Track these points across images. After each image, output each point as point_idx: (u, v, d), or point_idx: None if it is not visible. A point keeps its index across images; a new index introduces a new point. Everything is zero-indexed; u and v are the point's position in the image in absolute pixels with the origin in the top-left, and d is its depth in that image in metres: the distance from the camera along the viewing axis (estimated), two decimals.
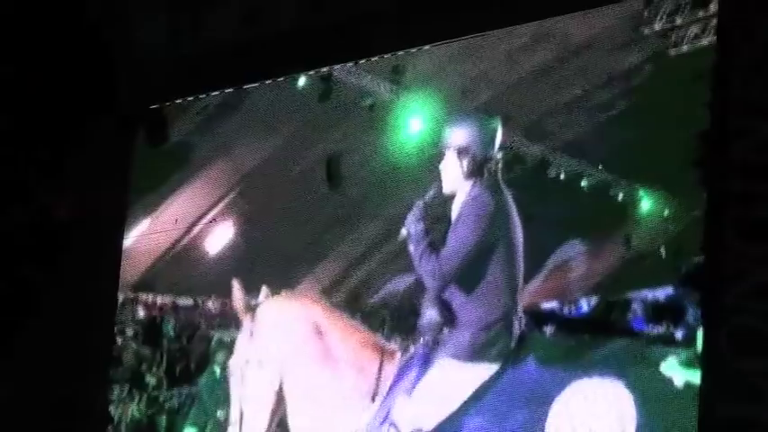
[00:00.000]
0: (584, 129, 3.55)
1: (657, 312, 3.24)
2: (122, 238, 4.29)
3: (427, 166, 3.59)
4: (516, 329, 3.34)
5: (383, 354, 3.58)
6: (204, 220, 4.11)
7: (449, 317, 3.42)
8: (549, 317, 3.44)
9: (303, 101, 3.93)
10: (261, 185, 4.04)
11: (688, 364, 3.10)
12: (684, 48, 3.35)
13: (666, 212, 3.36)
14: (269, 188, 4.04)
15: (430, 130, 3.71)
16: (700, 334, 3.08)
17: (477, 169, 3.43)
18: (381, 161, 3.84)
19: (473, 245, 3.38)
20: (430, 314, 3.45)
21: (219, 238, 4.00)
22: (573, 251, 3.42)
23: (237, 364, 3.73)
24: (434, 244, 3.44)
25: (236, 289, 3.76)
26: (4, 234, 4.44)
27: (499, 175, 3.42)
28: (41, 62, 4.54)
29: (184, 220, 4.16)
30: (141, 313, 4.19)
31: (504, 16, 3.61)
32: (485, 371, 3.34)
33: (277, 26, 4.12)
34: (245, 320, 3.73)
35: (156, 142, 4.13)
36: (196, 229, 4.10)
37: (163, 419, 3.96)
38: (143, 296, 4.19)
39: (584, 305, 3.42)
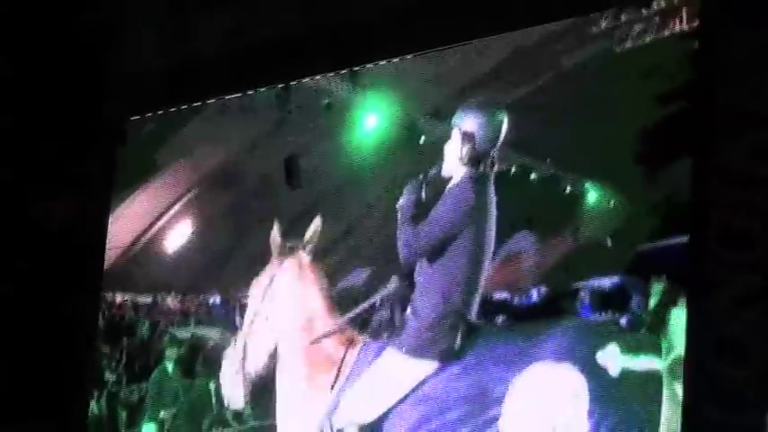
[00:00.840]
0: (530, 126, 3.65)
1: (604, 300, 3.32)
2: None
3: (387, 161, 3.71)
4: (463, 327, 3.43)
5: (350, 344, 3.65)
6: (161, 220, 4.19)
7: (409, 295, 3.51)
8: (501, 307, 3.51)
9: (262, 103, 4.04)
10: (221, 185, 4.12)
11: (630, 350, 3.19)
12: (629, 44, 3.47)
13: (612, 204, 3.44)
14: (229, 188, 4.12)
15: (386, 127, 3.82)
16: (644, 320, 3.19)
17: (475, 159, 3.50)
18: (340, 158, 3.92)
19: (444, 232, 3.46)
20: (393, 292, 3.55)
21: (178, 236, 4.05)
22: (523, 243, 3.50)
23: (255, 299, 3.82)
24: (417, 218, 3.53)
25: (276, 229, 3.84)
26: None
27: (492, 173, 3.50)
28: (31, 68, 4.60)
29: (142, 220, 4.25)
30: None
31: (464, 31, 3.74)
32: (429, 366, 3.43)
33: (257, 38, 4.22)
34: (274, 263, 3.82)
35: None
36: (154, 229, 4.16)
37: (123, 415, 4.01)
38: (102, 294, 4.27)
39: (535, 294, 3.49)
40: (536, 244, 3.47)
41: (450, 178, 3.54)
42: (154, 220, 4.19)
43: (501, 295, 3.53)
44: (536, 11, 3.62)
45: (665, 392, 3.12)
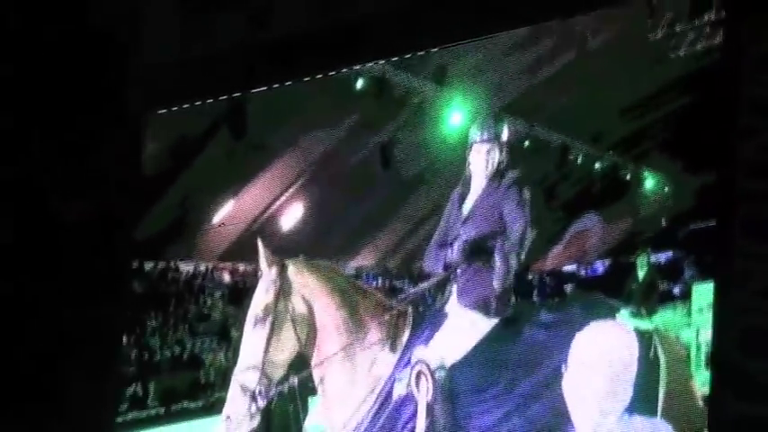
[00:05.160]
0: (596, 121, 4.15)
1: (660, 271, 3.84)
2: (130, 241, 4.83)
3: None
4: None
5: (398, 313, 4.12)
6: (275, 205, 4.79)
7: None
8: (570, 277, 4.07)
9: (361, 98, 4.54)
10: (326, 170, 4.66)
11: (683, 316, 3.70)
12: (682, 52, 3.88)
13: (666, 189, 3.96)
14: (333, 172, 4.65)
15: (469, 123, 4.27)
16: (695, 288, 3.67)
17: (493, 167, 4.02)
18: (428, 149, 4.44)
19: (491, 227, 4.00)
20: (456, 250, 4.01)
21: (291, 216, 4.59)
22: (589, 222, 4.00)
23: (254, 313, 4.15)
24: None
25: (261, 246, 4.21)
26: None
27: (508, 173, 4.00)
28: (47, 62, 4.78)
29: (257, 205, 4.83)
30: (227, 278, 4.86)
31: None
32: (497, 320, 3.95)
33: (290, 28, 4.57)
34: (269, 273, 4.17)
35: (238, 135, 4.73)
36: (271, 210, 4.70)
37: None
38: (228, 264, 4.86)
39: (600, 267, 4.03)
40: (601, 223, 3.97)
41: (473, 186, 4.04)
42: (270, 203, 4.74)
43: (570, 268, 4.08)
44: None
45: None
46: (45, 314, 4.75)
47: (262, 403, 4.11)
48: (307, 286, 4.17)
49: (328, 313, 4.15)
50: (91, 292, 4.79)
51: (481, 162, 4.05)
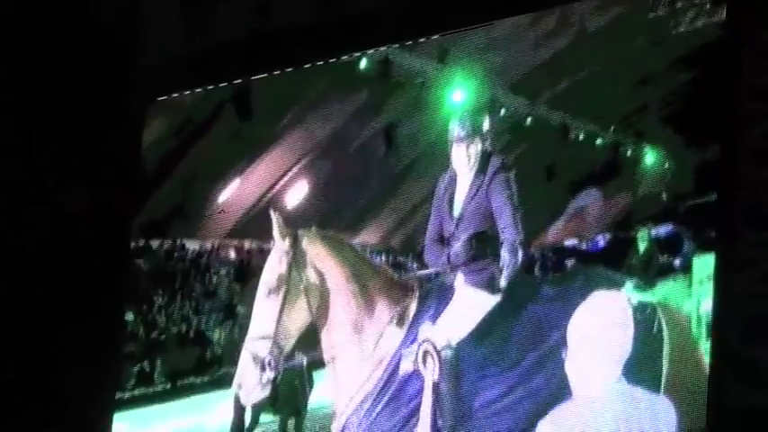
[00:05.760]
0: (597, 99, 4.20)
1: (660, 245, 3.90)
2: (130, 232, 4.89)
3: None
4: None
5: (405, 288, 4.18)
6: (280, 184, 4.84)
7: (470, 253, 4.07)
8: (571, 252, 4.13)
9: (364, 79, 4.59)
10: (331, 150, 4.73)
11: (685, 288, 3.74)
12: (683, 29, 3.90)
13: (666, 165, 4.02)
14: (338, 152, 4.72)
15: (471, 102, 4.36)
16: (696, 260, 3.71)
17: (476, 161, 4.07)
18: (431, 129, 4.47)
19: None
20: (456, 250, 4.08)
21: (295, 195, 4.65)
22: (590, 198, 4.07)
23: (267, 282, 4.18)
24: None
25: (274, 217, 4.22)
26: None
27: (493, 160, 4.04)
28: (50, 53, 4.85)
29: (263, 184, 4.90)
30: (233, 256, 4.92)
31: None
32: (501, 296, 4.00)
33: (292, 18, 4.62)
34: (282, 244, 4.19)
35: (244, 116, 4.78)
36: (275, 189, 4.76)
37: None
38: (234, 242, 4.92)
39: (601, 241, 4.09)
40: (602, 198, 4.03)
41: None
42: (275, 181, 4.80)
43: (571, 242, 4.14)
44: None
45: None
46: (44, 312, 4.87)
47: (271, 374, 4.15)
48: (319, 257, 4.21)
49: (339, 286, 4.19)
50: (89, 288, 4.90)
51: (463, 158, 4.11)
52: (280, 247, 4.22)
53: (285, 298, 4.16)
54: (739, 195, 3.52)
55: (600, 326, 3.72)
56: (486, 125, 4.13)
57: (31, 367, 4.81)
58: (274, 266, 4.21)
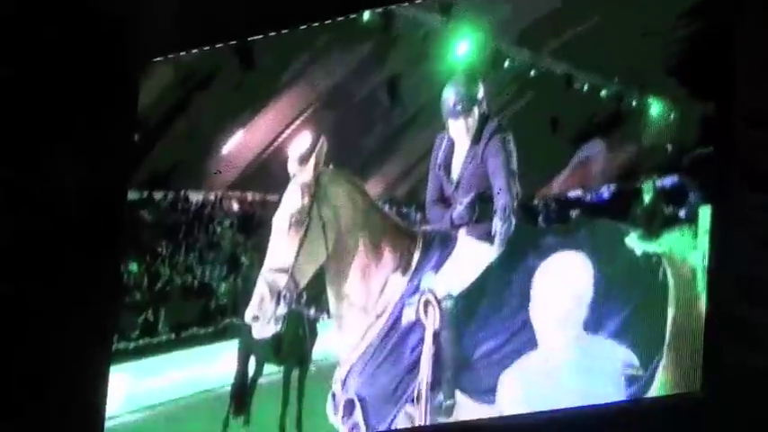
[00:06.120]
0: (602, 51, 4.20)
1: (665, 196, 3.92)
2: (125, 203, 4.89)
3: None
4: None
5: (410, 237, 4.21)
6: (283, 135, 4.84)
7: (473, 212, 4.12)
8: (575, 203, 4.14)
9: (368, 31, 4.61)
10: (335, 102, 4.72)
11: (690, 239, 3.78)
12: None
13: (671, 116, 4.02)
14: (341, 104, 4.71)
15: (475, 53, 4.38)
16: (701, 211, 3.73)
17: (473, 130, 4.10)
18: (434, 82, 4.43)
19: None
20: (459, 213, 4.12)
21: (300, 146, 4.55)
22: (595, 149, 4.09)
23: (289, 214, 4.18)
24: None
25: (321, 143, 4.23)
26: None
27: (489, 123, 4.08)
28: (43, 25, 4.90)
29: (266, 136, 4.90)
30: (236, 208, 4.91)
31: None
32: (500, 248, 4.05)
33: None
34: (303, 176, 4.21)
35: (247, 66, 4.78)
36: (280, 140, 4.76)
37: None
38: (237, 194, 4.91)
39: (605, 192, 4.11)
40: (606, 149, 4.06)
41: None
42: (279, 133, 4.79)
43: (575, 193, 4.15)
44: None
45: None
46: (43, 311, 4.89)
47: (284, 309, 4.15)
48: (337, 197, 4.23)
49: (351, 231, 4.20)
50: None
51: (461, 130, 4.13)
52: (300, 178, 4.22)
53: (306, 233, 4.16)
54: (737, 157, 3.58)
55: (561, 282, 3.88)
56: (480, 93, 4.14)
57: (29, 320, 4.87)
58: (296, 198, 4.19)
